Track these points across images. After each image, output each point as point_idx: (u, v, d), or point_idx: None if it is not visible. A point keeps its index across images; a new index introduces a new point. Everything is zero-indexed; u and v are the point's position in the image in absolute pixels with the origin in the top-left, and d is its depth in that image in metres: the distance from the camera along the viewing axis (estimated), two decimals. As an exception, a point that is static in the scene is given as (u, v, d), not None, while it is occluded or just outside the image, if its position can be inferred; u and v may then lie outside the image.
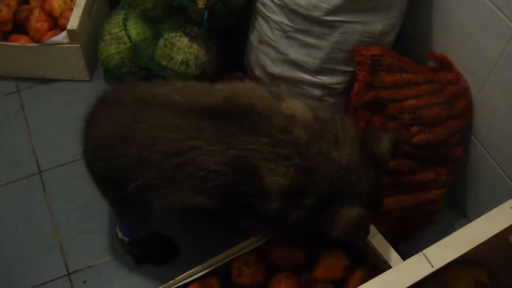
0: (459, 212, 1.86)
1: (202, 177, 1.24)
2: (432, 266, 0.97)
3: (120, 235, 1.69)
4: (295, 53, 1.66)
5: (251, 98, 1.27)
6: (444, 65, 1.68)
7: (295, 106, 1.26)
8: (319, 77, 1.67)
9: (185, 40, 1.90)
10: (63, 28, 2.14)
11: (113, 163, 1.34)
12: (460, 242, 1.00)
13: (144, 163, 1.29)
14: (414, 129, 1.53)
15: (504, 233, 1.06)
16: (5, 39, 2.21)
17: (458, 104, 1.60)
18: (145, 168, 1.29)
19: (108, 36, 2.01)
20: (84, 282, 1.75)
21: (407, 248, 1.66)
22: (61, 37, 2.08)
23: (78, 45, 2.09)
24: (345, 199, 1.23)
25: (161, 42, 1.93)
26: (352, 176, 1.23)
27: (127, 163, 1.31)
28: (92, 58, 2.21)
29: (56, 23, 2.23)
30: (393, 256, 1.38)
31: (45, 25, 2.19)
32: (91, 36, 2.17)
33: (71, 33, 2.05)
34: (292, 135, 1.21)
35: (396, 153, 1.29)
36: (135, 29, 1.97)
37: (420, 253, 0.98)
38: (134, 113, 1.31)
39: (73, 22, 2.06)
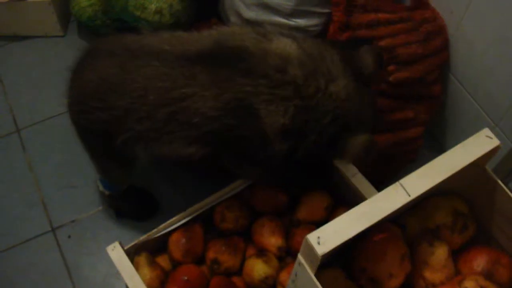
0: (439, 150, 1.87)
1: (196, 124, 1.22)
2: (409, 195, 0.97)
3: (101, 187, 1.69)
4: (269, -5, 1.64)
5: (241, 40, 1.25)
6: (420, 3, 1.67)
7: (285, 45, 1.24)
8: (294, 19, 1.65)
9: (157, -11, 1.87)
10: (33, -17, 2.09)
11: (101, 115, 1.31)
12: (436, 171, 1.00)
13: (134, 115, 1.27)
14: (391, 67, 1.52)
15: (481, 161, 1.07)
16: (-26, -3, 2.16)
17: (435, 42, 1.59)
18: (135, 120, 1.27)
19: (79, -11, 1.98)
20: (69, 237, 1.76)
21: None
22: (31, -8, 2.03)
23: (49, 0, 2.04)
24: (350, 131, 1.24)
25: (133, -8, 1.90)
26: (353, 107, 1.23)
27: (116, 115, 1.29)
28: (65, 12, 2.17)
29: (25, -21, 2.17)
30: (374, 194, 1.38)
31: (14, -20, 2.13)
32: (62, -11, 2.12)
33: (40, -13, 2.01)
34: (289, 74, 1.19)
35: (381, 64, 1.31)
36: (106, -20, 1.93)
37: (397, 182, 0.98)
38: (122, 64, 1.28)
39: (42, -24, 2.02)
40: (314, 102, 1.20)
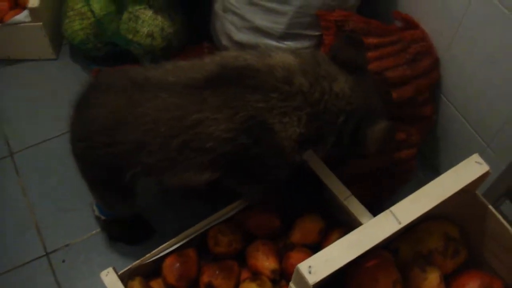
0: (432, 171, 1.88)
1: (210, 149, 1.23)
2: (400, 223, 0.98)
3: (97, 212, 1.69)
4: (260, 19, 1.65)
5: (244, 59, 1.26)
6: (410, 24, 1.68)
7: (285, 57, 1.26)
8: (285, 42, 1.66)
9: (149, 13, 1.88)
10: (24, 7, 2.10)
11: (110, 150, 1.30)
12: (426, 198, 1.01)
13: (145, 148, 1.26)
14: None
15: (471, 187, 1.08)
16: (-34, 21, 2.17)
17: (423, 62, 1.60)
18: (146, 153, 1.26)
19: (71, 12, 1.98)
20: (63, 261, 1.75)
21: (384, 209, 1.67)
22: (23, 16, 2.04)
23: (41, 23, 2.06)
24: (367, 120, 1.26)
25: (125, 15, 1.90)
26: (361, 99, 1.25)
27: (126, 150, 1.28)
28: (57, 35, 2.17)
29: (16, 2, 2.19)
30: (368, 217, 1.39)
31: (6, 4, 2.15)
32: (54, 13, 2.13)
33: (32, 11, 2.02)
34: (296, 84, 1.21)
35: (359, 46, 1.33)
36: (98, 4, 1.93)
37: (387, 210, 0.99)
38: (130, 98, 1.28)
39: (34, 0, 2.02)
40: (322, 106, 1.22)
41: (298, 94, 1.21)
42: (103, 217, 1.69)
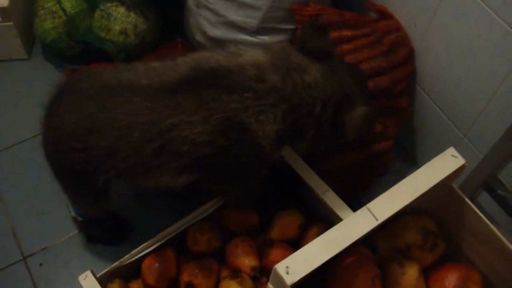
0: (410, 162, 1.88)
1: (186, 152, 1.21)
2: (377, 219, 0.97)
3: (73, 213, 1.66)
4: (234, 14, 1.63)
5: (215, 61, 1.25)
6: (385, 16, 1.68)
7: (255, 55, 1.25)
8: (259, 37, 1.65)
9: (121, 10, 1.85)
10: (-6, 7, 2.06)
11: (81, 156, 1.28)
12: (403, 193, 1.00)
13: (119, 154, 1.24)
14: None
15: (447, 180, 1.07)
16: None
17: (399, 53, 1.60)
18: (120, 159, 1.25)
19: (42, 11, 1.95)
20: (41, 265, 1.72)
21: (363, 201, 1.67)
22: (-7, 16, 2.00)
23: (11, 23, 2.01)
24: (345, 106, 1.24)
25: (97, 13, 1.88)
26: (335, 85, 1.24)
27: (98, 155, 1.26)
28: (28, 35, 2.13)
29: (-14, 3, 2.14)
30: (346, 211, 1.38)
31: (-25, 5, 2.10)
32: (24, 12, 2.09)
33: (2, 11, 1.98)
34: (268, 82, 1.20)
35: (323, 32, 1.32)
36: (69, 2, 1.90)
37: (364, 207, 0.98)
38: (102, 103, 1.25)
39: (4, -1, 1.99)
40: (297, 99, 1.21)
41: (271, 91, 1.20)
42: (79, 218, 1.67)
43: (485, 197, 1.36)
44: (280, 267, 0.93)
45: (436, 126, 1.69)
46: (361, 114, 1.23)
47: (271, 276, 0.97)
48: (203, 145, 1.20)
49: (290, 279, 0.91)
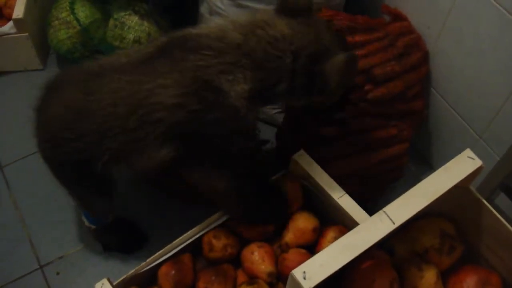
0: (425, 165, 1.87)
1: (162, 119, 1.21)
2: (394, 223, 0.96)
3: (86, 222, 1.67)
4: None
5: (188, 30, 1.27)
6: (399, 18, 1.67)
7: (222, 21, 1.27)
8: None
9: (135, 18, 1.86)
10: (9, 18, 2.08)
11: (75, 145, 1.29)
12: (419, 197, 0.99)
13: (109, 133, 1.25)
14: (367, 87, 1.52)
15: (464, 183, 1.07)
16: (-49, 35, 2.14)
17: (412, 57, 1.59)
18: (111, 139, 1.26)
19: (56, 22, 1.97)
20: (57, 274, 1.73)
21: (379, 205, 1.66)
22: (8, 27, 2.02)
23: (27, 34, 2.04)
24: (320, 59, 1.22)
25: (111, 22, 1.89)
26: (308, 38, 1.22)
27: (91, 141, 1.27)
28: (43, 45, 2.16)
29: (1, 14, 2.17)
30: (362, 215, 1.38)
31: (-10, 17, 2.13)
32: (39, 23, 2.12)
33: (17, 22, 2.00)
34: (228, 39, 1.21)
35: None
36: (83, 12, 1.92)
37: (381, 211, 0.97)
38: (86, 88, 1.27)
39: (19, 10, 2.01)
40: (261, 53, 1.20)
41: (231, 48, 1.19)
42: (92, 226, 1.68)
43: (502, 199, 1.34)
44: (297, 273, 0.92)
45: (451, 128, 1.68)
46: (341, 59, 1.20)
47: (288, 282, 0.96)
48: (176, 108, 1.19)
49: (308, 284, 0.91)
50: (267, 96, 1.24)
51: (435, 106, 1.71)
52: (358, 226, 0.97)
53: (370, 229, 0.96)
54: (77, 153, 1.31)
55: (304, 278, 0.92)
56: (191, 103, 1.19)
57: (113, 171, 1.38)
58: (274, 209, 1.49)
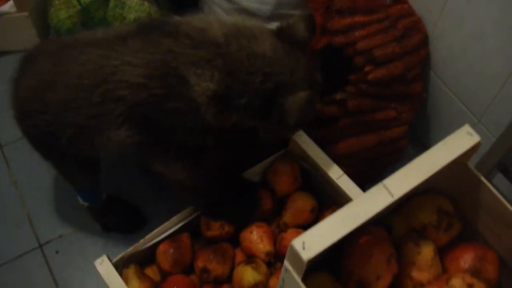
0: (423, 148, 1.86)
1: (124, 98, 1.20)
2: (392, 196, 0.97)
3: (80, 200, 1.67)
4: (247, 0, 1.63)
5: (172, 16, 1.28)
6: (399, 1, 1.67)
7: (209, 17, 1.27)
8: (272, 23, 1.64)
9: (135, -1, 1.86)
10: (8, -2, 2.08)
11: (43, 118, 1.30)
12: (418, 170, 1.00)
13: (72, 105, 1.25)
14: (367, 68, 1.52)
15: (462, 158, 1.07)
16: (-49, 15, 2.14)
17: (413, 39, 1.59)
18: (74, 112, 1.25)
19: (56, 1, 1.95)
20: (57, 252, 1.74)
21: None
22: (8, 6, 2.02)
23: (27, 13, 2.04)
24: (287, 90, 1.22)
25: (112, 2, 1.88)
26: (285, 67, 1.22)
27: (57, 112, 1.28)
28: (44, 25, 2.14)
29: (1, -7, 2.16)
30: (360, 195, 1.38)
31: (-10, -4, 2.12)
32: (39, 2, 2.10)
33: (17, 2, 2.00)
34: (209, 34, 1.20)
35: (313, 30, 1.31)
36: (84, -8, 1.92)
37: (380, 183, 0.98)
38: (56, 59, 1.28)
39: (18, -11, 2.00)
40: (238, 62, 1.19)
41: (210, 44, 1.19)
42: (85, 204, 1.68)
43: (499, 179, 1.35)
44: (296, 243, 0.93)
45: (450, 111, 1.69)
46: (303, 96, 1.20)
47: (287, 253, 0.97)
48: (139, 88, 1.19)
49: (307, 255, 0.91)
50: (229, 106, 1.23)
51: (434, 89, 1.72)
52: (358, 198, 0.97)
53: (369, 201, 0.97)
54: (45, 126, 1.31)
55: (303, 248, 0.92)
56: (155, 86, 1.19)
57: (79, 148, 1.35)
58: (240, 209, 1.48)
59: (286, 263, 0.99)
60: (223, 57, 1.19)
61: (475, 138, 1.04)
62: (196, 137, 1.26)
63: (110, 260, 1.36)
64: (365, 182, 1.60)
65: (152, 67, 1.19)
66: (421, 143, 1.89)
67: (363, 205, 0.97)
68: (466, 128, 1.05)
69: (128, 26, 1.29)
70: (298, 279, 0.97)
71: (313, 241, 0.93)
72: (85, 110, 1.24)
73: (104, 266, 1.36)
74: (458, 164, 1.09)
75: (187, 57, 1.18)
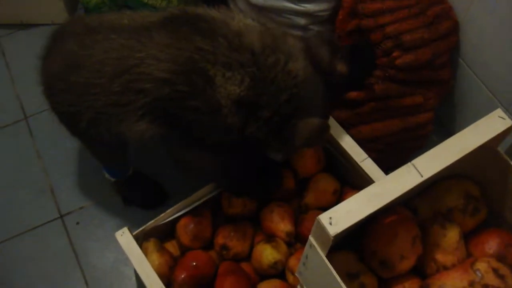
0: (447, 136, 1.85)
1: (147, 91, 1.20)
2: (422, 176, 0.96)
3: (106, 175, 1.69)
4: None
5: (204, 10, 1.26)
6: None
7: (247, 20, 1.24)
8: (303, 4, 1.64)
9: (165, -25, 1.85)
10: (37, -30, 2.08)
11: (66, 97, 1.31)
12: (448, 152, 0.99)
13: (92, 90, 1.25)
14: (395, 53, 1.51)
15: (493, 142, 1.06)
16: (-20, -15, 2.15)
17: (442, 25, 1.57)
18: (94, 96, 1.25)
19: (86, -24, 1.96)
20: (77, 223, 1.76)
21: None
22: (37, -21, 2.03)
23: (55, -13, 2.04)
24: (303, 113, 1.22)
25: (140, -22, 1.88)
26: (309, 90, 1.22)
27: (78, 94, 1.28)
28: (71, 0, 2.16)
29: (30, -34, 2.16)
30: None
31: (19, -32, 2.13)
32: (68, -23, 2.12)
33: (46, -25, 2.01)
34: (247, 40, 1.18)
35: (335, 54, 1.30)
36: (113, -34, 1.91)
37: (409, 163, 0.97)
38: (81, 41, 1.28)
39: (48, -37, 2.01)
40: (272, 75, 1.18)
41: (247, 51, 1.17)
42: (112, 179, 1.69)
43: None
44: (323, 218, 0.93)
45: (477, 99, 1.67)
46: (316, 124, 1.21)
47: (313, 228, 0.97)
48: (163, 83, 1.18)
49: (334, 230, 0.91)
50: (252, 116, 1.21)
51: (462, 77, 1.70)
52: (386, 176, 0.97)
53: (398, 180, 0.96)
54: (68, 105, 1.32)
55: (330, 224, 0.92)
56: (179, 82, 1.17)
57: (99, 132, 1.34)
58: (263, 186, 1.48)
59: (311, 238, 0.99)
60: (258, 66, 1.17)
61: (507, 122, 1.03)
62: (215, 136, 1.25)
63: (131, 233, 1.37)
64: (388, 167, 1.59)
65: (178, 63, 1.17)
66: (446, 131, 1.87)
67: (392, 183, 0.96)
68: (498, 112, 1.04)
69: (154, 15, 1.27)
70: (323, 254, 0.97)
71: (340, 217, 0.93)
72: (103, 96, 1.25)
73: (125, 238, 1.36)
74: (487, 149, 1.08)
75: (219, 58, 1.16)
